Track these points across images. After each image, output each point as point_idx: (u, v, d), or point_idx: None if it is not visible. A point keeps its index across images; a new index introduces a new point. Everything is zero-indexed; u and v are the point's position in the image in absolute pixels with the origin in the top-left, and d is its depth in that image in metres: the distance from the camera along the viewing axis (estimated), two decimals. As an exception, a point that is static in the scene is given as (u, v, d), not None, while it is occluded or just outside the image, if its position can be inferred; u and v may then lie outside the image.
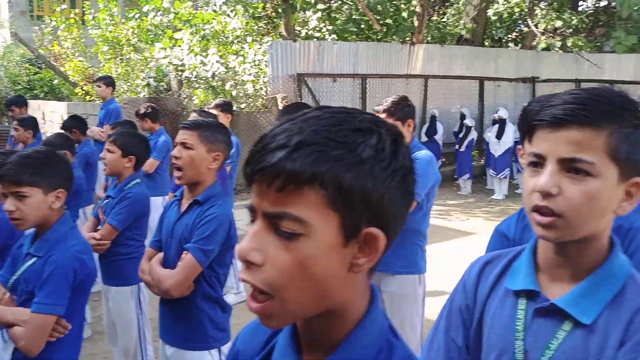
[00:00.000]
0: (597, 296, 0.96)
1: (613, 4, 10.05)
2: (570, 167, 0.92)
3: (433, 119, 11.69)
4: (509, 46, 16.28)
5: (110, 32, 11.67)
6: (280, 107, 9.06)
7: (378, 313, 0.75)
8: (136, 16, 11.22)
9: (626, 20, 9.73)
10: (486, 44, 16.31)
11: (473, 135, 11.10)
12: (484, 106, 13.24)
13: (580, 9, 15.70)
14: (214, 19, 9.85)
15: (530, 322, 1.00)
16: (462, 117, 11.45)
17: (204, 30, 9.74)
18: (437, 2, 15.53)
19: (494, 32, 16.54)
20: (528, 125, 0.99)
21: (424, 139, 11.75)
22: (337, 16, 11.90)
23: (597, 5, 14.20)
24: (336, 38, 11.13)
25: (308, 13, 10.98)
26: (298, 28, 11.23)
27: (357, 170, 0.66)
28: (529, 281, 1.02)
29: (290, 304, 0.68)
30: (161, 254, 2.17)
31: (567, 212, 0.92)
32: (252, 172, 0.68)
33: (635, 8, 7.83)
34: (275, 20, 11.04)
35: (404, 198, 0.72)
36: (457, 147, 11.24)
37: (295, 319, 0.73)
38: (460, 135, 11.20)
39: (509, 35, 16.70)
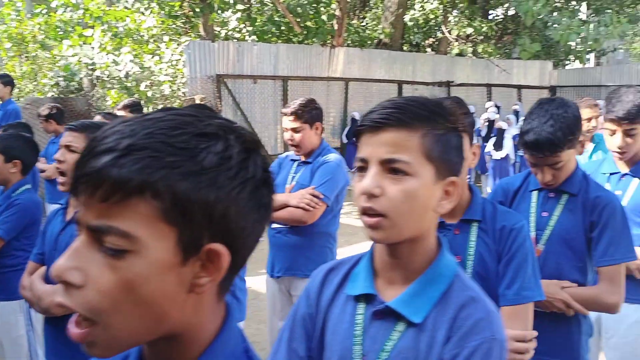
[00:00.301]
0: (426, 295, 1.00)
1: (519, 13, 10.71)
2: (390, 167, 0.96)
3: (354, 121, 11.86)
4: (426, 51, 16.87)
5: (15, 27, 10.92)
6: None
7: (231, 335, 0.69)
8: (44, 12, 10.57)
9: (530, 28, 10.36)
10: (405, 48, 16.84)
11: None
12: (403, 109, 13.59)
13: (490, 17, 16.58)
14: (127, 16, 9.45)
15: (368, 326, 1.02)
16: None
17: (117, 28, 9.31)
18: (356, 7, 15.80)
19: (412, 37, 17.09)
20: (355, 133, 1.05)
21: (345, 141, 11.91)
22: (257, 17, 11.79)
23: (505, 14, 15.02)
24: (256, 39, 11.03)
25: (227, 13, 10.79)
26: (217, 28, 11.01)
27: (196, 179, 0.59)
28: (367, 285, 1.04)
29: (116, 331, 0.60)
30: (43, 269, 2.00)
31: (390, 211, 0.96)
32: (75, 179, 0.59)
33: (538, 17, 8.32)
34: (193, 19, 10.75)
35: (257, 212, 0.65)
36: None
37: (126, 347, 0.64)
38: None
39: (427, 41, 17.32)
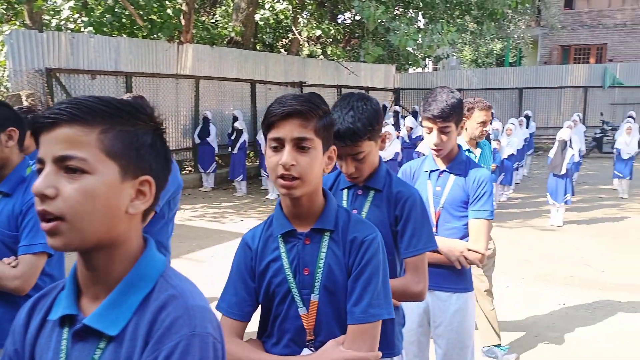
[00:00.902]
0: (125, 304, 0.94)
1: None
2: (65, 166, 0.91)
3: (206, 120, 11.51)
4: (279, 51, 17.02)
5: None
6: (27, 105, 7.83)
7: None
8: None
9: (373, 33, 10.93)
10: (258, 47, 16.82)
11: (245, 137, 11.22)
12: (256, 109, 13.56)
13: (339, 21, 17.23)
14: None
15: (71, 350, 0.95)
16: (235, 119, 11.53)
17: None
18: (206, 3, 15.38)
19: (264, 36, 17.11)
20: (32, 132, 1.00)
21: (198, 141, 11.52)
22: (95, 7, 10.86)
23: (352, 18, 15.70)
24: (93, 31, 10.14)
25: (59, 1, 9.77)
26: (47, 17, 9.91)
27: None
28: (68, 305, 0.97)
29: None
30: None
31: (67, 213, 0.90)
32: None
33: (379, 23, 8.78)
34: (16, 6, 9.56)
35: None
36: (230, 149, 11.27)
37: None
38: (232, 138, 11.24)
39: (281, 41, 17.47)
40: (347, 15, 17.35)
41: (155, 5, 10.57)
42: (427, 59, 22.57)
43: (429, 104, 2.34)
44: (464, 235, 2.42)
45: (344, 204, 1.93)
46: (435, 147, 2.36)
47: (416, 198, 1.87)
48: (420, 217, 1.85)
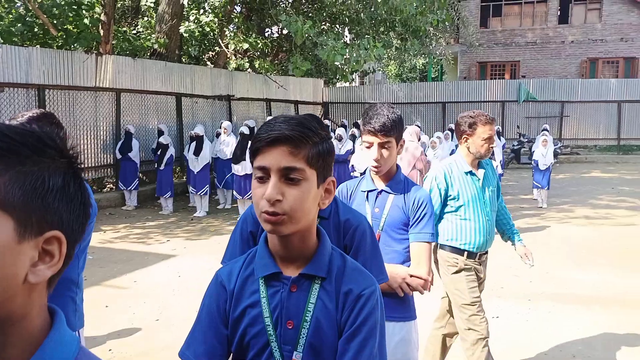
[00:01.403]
0: None
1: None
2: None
3: (128, 135, 10.96)
4: (206, 64, 16.65)
5: None
6: None
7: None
8: None
9: (301, 47, 10.89)
10: (184, 60, 16.36)
11: (171, 151, 10.78)
12: (182, 122, 13.12)
13: (267, 34, 17.12)
14: None
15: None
16: (160, 133, 11.08)
17: None
18: (127, 13, 14.77)
19: (190, 49, 16.68)
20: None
21: (119, 156, 10.94)
22: (4, 16, 10.09)
23: (280, 32, 15.65)
24: (1, 41, 9.39)
25: (-40, 7, 8.98)
26: (-53, 24, 9.08)
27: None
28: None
29: None
30: None
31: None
32: None
33: (307, 37, 8.75)
34: None
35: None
36: (156, 165, 10.79)
37: None
38: (158, 153, 10.77)
39: (208, 54, 17.09)
40: (275, 29, 17.33)
41: (71, 15, 9.97)
42: (354, 73, 22.97)
43: (370, 118, 2.25)
44: (406, 260, 2.31)
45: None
46: (375, 163, 2.27)
47: (366, 227, 1.75)
48: (370, 248, 1.73)
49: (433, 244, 2.33)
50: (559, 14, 22.71)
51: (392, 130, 2.22)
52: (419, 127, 13.46)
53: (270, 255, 1.27)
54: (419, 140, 8.56)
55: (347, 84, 21.47)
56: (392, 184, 2.33)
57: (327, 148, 1.26)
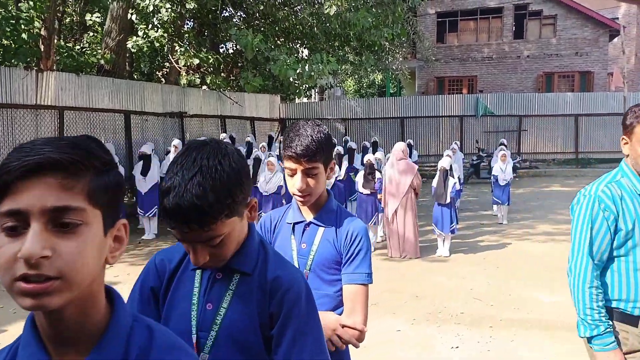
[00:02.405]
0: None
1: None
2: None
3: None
4: (161, 80, 16.07)
5: None
6: None
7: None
8: None
9: (254, 62, 10.53)
10: (136, 77, 15.76)
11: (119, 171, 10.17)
12: (131, 141, 12.50)
13: (222, 50, 16.68)
14: None
15: None
16: (106, 153, 10.49)
17: None
18: (74, 28, 14.11)
19: (142, 65, 16.10)
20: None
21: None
22: None
23: (235, 47, 15.24)
24: None
25: None
26: None
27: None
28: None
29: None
30: None
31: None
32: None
33: (258, 51, 8.38)
34: None
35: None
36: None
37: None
38: (103, 174, 10.15)
39: (161, 70, 16.53)
40: (230, 44, 16.93)
41: (8, 30, 9.33)
42: (312, 89, 22.74)
43: (290, 140, 1.84)
44: (338, 305, 1.91)
45: (195, 292, 1.35)
46: (299, 193, 1.87)
47: (301, 288, 1.33)
48: (305, 318, 1.30)
49: (368, 285, 1.92)
50: (514, 29, 23.11)
51: (318, 154, 1.83)
52: (411, 144, 13.33)
53: (37, 341, 0.87)
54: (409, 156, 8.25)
55: (305, 100, 21.23)
56: (322, 214, 1.95)
57: (114, 179, 0.89)
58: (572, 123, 19.23)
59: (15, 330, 5.13)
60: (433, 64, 22.63)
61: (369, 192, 8.28)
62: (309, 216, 1.96)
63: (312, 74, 8.52)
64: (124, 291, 3.80)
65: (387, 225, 7.97)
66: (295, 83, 9.59)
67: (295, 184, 1.85)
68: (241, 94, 16.20)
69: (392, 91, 28.03)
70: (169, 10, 10.59)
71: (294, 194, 1.90)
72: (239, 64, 14.51)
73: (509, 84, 22.84)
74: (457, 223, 8.47)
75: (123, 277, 7.09)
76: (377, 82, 34.93)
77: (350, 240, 1.89)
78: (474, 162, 16.49)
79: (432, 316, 5.31)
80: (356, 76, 20.13)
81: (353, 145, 11.81)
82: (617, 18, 25.21)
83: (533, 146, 19.37)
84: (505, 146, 12.96)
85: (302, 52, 13.80)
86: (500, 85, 22.87)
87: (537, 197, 13.71)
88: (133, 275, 7.17)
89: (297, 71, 8.61)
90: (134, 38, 11.19)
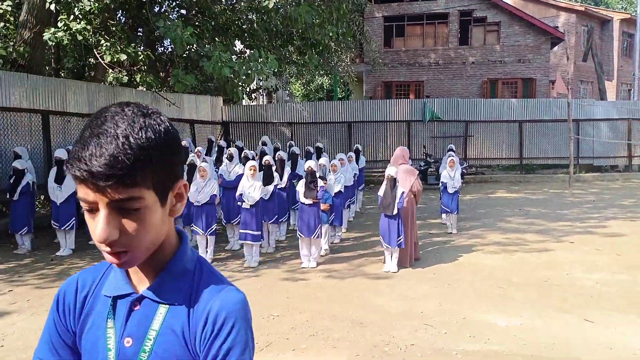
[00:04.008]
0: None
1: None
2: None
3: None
4: (89, 78, 14.77)
5: None
6: None
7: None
8: None
9: (186, 59, 9.62)
10: (62, 74, 14.41)
11: (28, 178, 8.98)
12: (50, 144, 11.27)
13: (162, 49, 15.56)
14: None
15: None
16: (16, 157, 9.29)
17: None
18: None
19: (67, 61, 14.76)
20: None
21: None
22: None
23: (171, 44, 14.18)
24: None
25: None
26: None
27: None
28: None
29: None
30: None
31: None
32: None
33: (189, 46, 7.51)
34: None
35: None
36: (8, 194, 8.94)
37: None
38: (11, 181, 8.94)
39: (87, 67, 15.20)
40: (168, 42, 15.83)
41: None
42: (256, 91, 21.81)
43: (83, 145, 0.98)
44: None
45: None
46: (107, 249, 1.02)
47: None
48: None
49: None
50: (459, 35, 23.10)
51: (139, 172, 0.99)
52: (359, 149, 12.64)
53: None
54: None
55: (252, 103, 20.32)
56: (164, 281, 1.12)
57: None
58: (516, 129, 19.26)
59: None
60: (381, 68, 22.27)
61: (311, 202, 7.53)
62: (140, 285, 1.13)
63: (250, 72, 7.70)
64: (19, 322, 3.32)
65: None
66: (234, 82, 8.71)
67: (96, 231, 1.01)
68: (179, 95, 15.15)
69: (340, 96, 27.55)
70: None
71: (98, 244, 1.04)
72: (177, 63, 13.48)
73: (455, 90, 22.79)
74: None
75: (21, 305, 6.05)
76: (325, 87, 34.41)
77: (214, 332, 1.07)
78: (421, 168, 16.10)
79: (378, 350, 4.59)
80: (302, 79, 19.40)
81: (296, 150, 11.07)
82: (557, 27, 25.71)
83: (479, 152, 19.27)
84: (454, 152, 12.58)
85: (245, 50, 12.93)
86: (446, 91, 22.78)
87: (485, 204, 13.41)
88: (35, 302, 6.12)
89: (234, 69, 7.77)
90: (52, 30, 10.00)
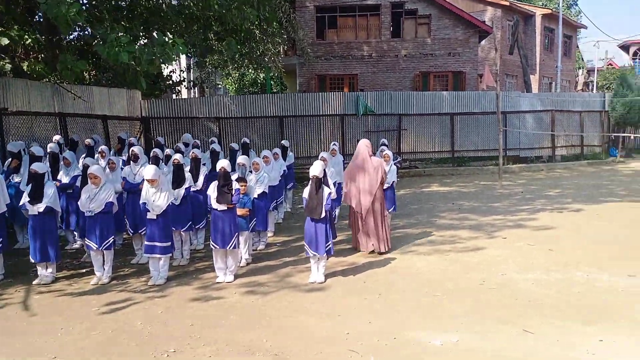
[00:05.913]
0: None
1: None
2: None
3: None
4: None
5: None
6: None
7: None
8: None
9: (75, 42, 8.42)
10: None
11: None
12: None
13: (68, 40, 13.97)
14: None
15: None
16: None
17: None
18: None
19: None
20: None
21: None
22: None
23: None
24: None
25: None
26: None
27: None
28: None
29: None
30: None
31: None
32: None
33: (76, 27, 6.40)
34: None
35: None
36: None
37: None
38: None
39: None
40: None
41: None
42: (179, 84, 20.39)
43: None
44: None
45: None
46: None
47: None
48: None
49: None
50: (391, 28, 22.73)
51: None
52: (284, 145, 11.85)
53: None
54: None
55: (174, 96, 18.96)
56: None
57: None
58: (448, 122, 19.12)
59: None
60: (314, 61, 21.52)
61: (225, 208, 6.61)
62: None
63: (152, 57, 6.67)
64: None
65: (360, 220, 7.74)
66: (142, 71, 7.62)
67: None
68: (89, 88, 13.70)
69: (275, 90, 26.56)
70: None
71: None
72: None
73: (389, 83, 22.42)
74: (334, 238, 7.16)
75: None
76: (259, 81, 33.27)
77: None
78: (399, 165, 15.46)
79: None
80: (226, 70, 18.23)
81: (217, 147, 10.06)
82: (484, 21, 25.92)
83: (412, 145, 18.97)
84: (387, 146, 12.00)
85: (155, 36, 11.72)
86: (380, 84, 22.36)
87: (418, 199, 12.97)
88: None
89: (133, 54, 6.71)
90: None
